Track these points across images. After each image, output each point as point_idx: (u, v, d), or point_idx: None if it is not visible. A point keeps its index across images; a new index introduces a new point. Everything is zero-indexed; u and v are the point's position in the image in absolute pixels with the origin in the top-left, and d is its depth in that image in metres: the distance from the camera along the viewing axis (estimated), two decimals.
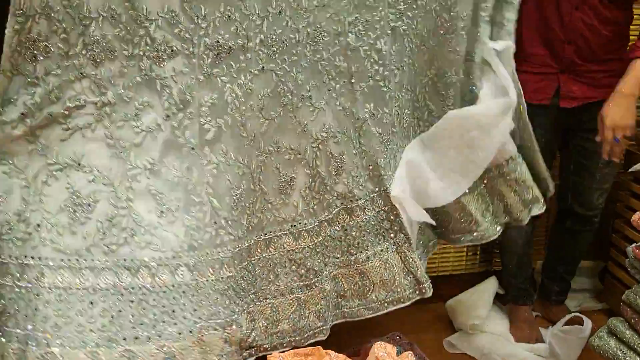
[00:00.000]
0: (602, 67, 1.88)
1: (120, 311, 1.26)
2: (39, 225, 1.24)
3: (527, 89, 1.78)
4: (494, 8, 1.64)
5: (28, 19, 1.17)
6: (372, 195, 1.56)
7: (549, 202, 2.17)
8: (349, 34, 1.46)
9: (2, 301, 1.23)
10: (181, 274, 1.30)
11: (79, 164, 1.27)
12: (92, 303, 1.25)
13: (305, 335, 1.55)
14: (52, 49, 1.21)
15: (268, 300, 1.51)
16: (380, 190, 1.57)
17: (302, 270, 1.51)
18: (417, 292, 1.62)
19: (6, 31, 1.16)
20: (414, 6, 1.54)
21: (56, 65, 1.22)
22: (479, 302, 2.21)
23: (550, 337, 2.13)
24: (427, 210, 1.65)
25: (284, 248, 1.49)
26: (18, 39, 1.17)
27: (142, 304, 1.27)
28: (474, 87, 1.69)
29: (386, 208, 1.57)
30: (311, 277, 1.52)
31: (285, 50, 1.38)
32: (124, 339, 1.25)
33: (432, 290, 1.61)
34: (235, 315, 1.38)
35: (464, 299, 2.25)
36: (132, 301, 1.27)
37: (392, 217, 1.57)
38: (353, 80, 1.49)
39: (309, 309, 1.54)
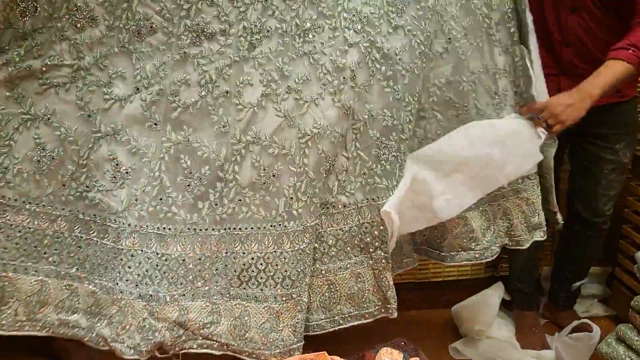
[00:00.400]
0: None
1: (69, 253, 1.41)
2: (6, 168, 1.36)
3: None
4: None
5: None
6: (360, 205, 1.51)
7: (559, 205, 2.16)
8: (346, 29, 1.44)
9: None
10: (118, 237, 1.39)
11: (49, 119, 1.37)
12: (46, 242, 1.40)
13: (277, 350, 1.45)
14: (39, 9, 1.31)
15: (238, 301, 1.44)
16: (370, 200, 1.50)
17: (278, 278, 1.44)
18: (383, 311, 1.57)
19: None
20: (418, 7, 1.50)
21: (42, 24, 1.32)
22: (484, 308, 2.19)
23: (557, 343, 2.10)
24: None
25: (262, 250, 1.43)
26: None
27: (86, 250, 1.41)
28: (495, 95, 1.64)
29: (372, 221, 1.51)
30: (287, 285, 1.44)
31: (270, 40, 1.39)
32: (69, 275, 1.42)
33: (396, 313, 1.55)
34: (168, 295, 1.39)
35: (470, 305, 2.23)
36: (79, 247, 1.41)
37: (375, 232, 1.51)
38: (355, 77, 1.45)
39: (283, 322, 1.46)
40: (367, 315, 1.56)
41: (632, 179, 2.29)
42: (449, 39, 1.57)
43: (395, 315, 1.55)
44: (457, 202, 1.60)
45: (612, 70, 1.68)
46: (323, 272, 1.52)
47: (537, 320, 2.22)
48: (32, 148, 1.37)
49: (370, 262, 1.53)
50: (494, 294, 2.24)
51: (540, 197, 1.73)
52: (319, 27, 1.42)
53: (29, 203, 1.39)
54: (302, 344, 1.49)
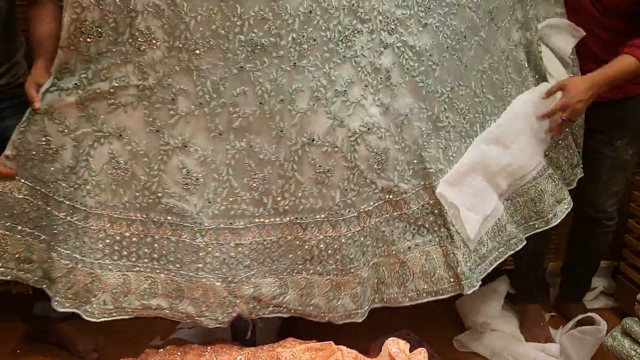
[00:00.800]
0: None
1: (146, 251, 1.55)
2: (86, 180, 1.52)
3: None
4: None
5: (83, 9, 1.39)
6: (417, 189, 1.62)
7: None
8: (382, 32, 1.54)
9: (57, 229, 1.54)
10: (195, 236, 1.54)
11: (120, 135, 1.51)
12: (125, 244, 1.55)
13: (339, 314, 1.63)
14: (104, 35, 1.43)
15: (303, 275, 1.61)
16: (426, 183, 1.61)
17: (338, 256, 1.58)
18: (458, 288, 1.63)
19: (64, 19, 1.40)
20: (443, 4, 1.60)
21: (106, 49, 1.45)
22: (489, 301, 2.19)
23: (563, 337, 2.10)
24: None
25: (321, 234, 1.58)
26: (75, 25, 1.40)
27: (162, 249, 1.55)
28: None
29: (431, 202, 1.62)
30: (346, 263, 1.59)
31: (316, 48, 1.50)
32: (148, 268, 1.56)
33: (470, 288, 1.61)
34: (244, 276, 1.55)
35: (475, 297, 2.21)
36: (155, 246, 1.55)
37: (436, 211, 1.62)
38: (390, 76, 1.56)
39: (343, 291, 1.62)
40: (440, 292, 1.65)
41: (637, 173, 2.29)
42: (482, 26, 1.68)
43: (467, 292, 1.61)
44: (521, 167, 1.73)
45: (622, 65, 1.68)
46: (393, 252, 1.64)
47: (541, 314, 2.21)
48: (107, 161, 1.52)
49: (437, 239, 1.63)
50: (499, 287, 2.24)
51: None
52: (358, 31, 1.52)
53: (108, 210, 1.54)
54: (365, 312, 1.64)
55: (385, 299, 1.68)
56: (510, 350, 2.06)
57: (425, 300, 1.66)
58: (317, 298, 1.62)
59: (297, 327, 2.00)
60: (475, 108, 1.70)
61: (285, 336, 1.69)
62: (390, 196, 1.60)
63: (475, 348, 2.12)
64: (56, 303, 1.57)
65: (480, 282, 1.67)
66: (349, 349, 1.56)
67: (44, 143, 1.50)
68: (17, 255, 1.58)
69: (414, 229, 1.63)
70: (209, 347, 1.65)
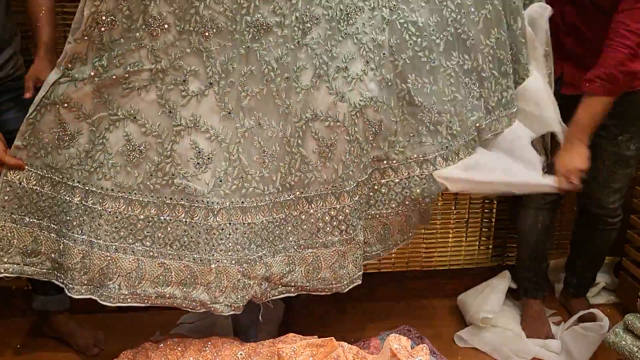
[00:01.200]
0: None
1: (160, 235, 1.59)
2: (102, 163, 1.56)
3: None
4: None
5: (101, 1, 1.43)
6: (409, 161, 1.69)
7: (573, 198, 2.15)
8: (383, 9, 1.59)
9: (70, 215, 1.57)
10: (208, 215, 1.57)
11: (135, 117, 1.55)
12: (140, 226, 1.58)
13: (344, 282, 1.70)
14: (118, 23, 1.46)
15: (310, 250, 1.67)
16: (419, 157, 1.68)
17: (343, 227, 1.66)
18: (424, 223, 1.93)
19: (84, 12, 1.42)
20: None
21: (120, 36, 1.48)
22: (490, 296, 2.18)
23: (566, 332, 2.10)
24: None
25: (326, 206, 1.64)
26: (92, 17, 1.43)
27: (175, 231, 1.59)
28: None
29: (422, 174, 1.70)
30: (350, 232, 1.67)
31: (319, 26, 1.55)
32: (161, 254, 1.59)
33: (428, 221, 1.91)
34: (257, 256, 1.60)
35: (476, 293, 2.22)
36: (169, 229, 1.59)
37: (424, 183, 1.70)
38: (393, 52, 1.60)
39: (347, 259, 1.69)
40: (410, 237, 1.85)
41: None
42: (495, 2, 1.69)
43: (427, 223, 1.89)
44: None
45: (591, 110, 1.71)
46: (377, 216, 1.74)
47: (543, 310, 2.20)
48: (123, 144, 1.55)
49: (417, 206, 1.75)
50: (500, 283, 2.23)
51: None
52: (360, 9, 1.57)
53: (123, 192, 1.57)
54: (362, 273, 1.74)
55: (367, 256, 1.79)
56: (511, 346, 2.06)
57: (398, 247, 1.84)
58: (324, 271, 1.68)
59: (298, 323, 2.00)
60: (481, 83, 1.73)
61: (286, 332, 1.69)
62: (379, 164, 1.67)
63: (476, 344, 2.11)
64: (72, 290, 1.58)
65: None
66: (350, 345, 1.55)
67: (59, 130, 1.53)
68: (23, 248, 1.60)
69: (399, 198, 1.71)
70: (209, 342, 1.65)
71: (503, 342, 2.08)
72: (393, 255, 2.34)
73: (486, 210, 2.37)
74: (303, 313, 2.08)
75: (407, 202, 1.71)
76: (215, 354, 1.61)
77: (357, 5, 1.57)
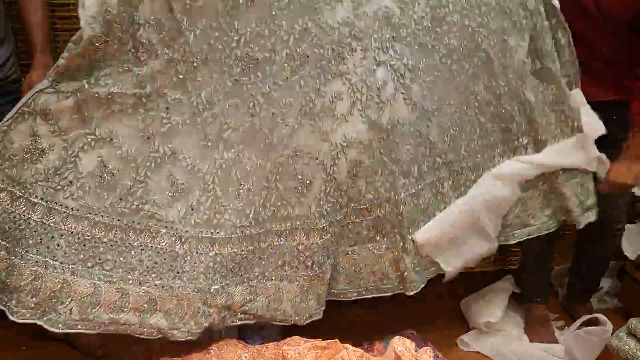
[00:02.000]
0: (611, 68, 1.83)
1: (122, 259, 1.54)
2: (70, 182, 1.50)
3: None
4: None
5: (97, 23, 1.41)
6: (382, 201, 1.68)
7: None
8: (376, 50, 1.57)
9: (26, 233, 1.49)
10: (175, 243, 1.55)
11: (111, 139, 1.50)
12: (102, 250, 1.52)
13: (304, 316, 1.69)
14: (110, 43, 1.44)
15: (273, 281, 1.65)
16: (392, 196, 1.67)
17: (309, 263, 1.64)
18: (401, 288, 1.77)
19: (83, 35, 1.41)
20: (443, 22, 1.65)
21: (111, 57, 1.46)
22: (494, 300, 2.18)
23: (569, 337, 2.10)
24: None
25: (294, 241, 1.63)
26: (89, 40, 1.41)
27: (139, 256, 1.54)
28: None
29: (392, 211, 1.69)
30: (316, 269, 1.65)
31: (309, 64, 1.53)
32: (122, 279, 1.54)
33: (414, 290, 1.76)
34: (219, 286, 1.58)
35: (479, 297, 2.22)
36: (132, 253, 1.54)
37: (396, 221, 1.70)
38: (380, 94, 1.59)
39: (310, 295, 1.68)
40: (386, 290, 1.77)
41: None
42: (483, 48, 1.71)
43: (411, 293, 1.76)
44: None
45: None
46: (349, 252, 1.72)
47: (546, 315, 2.20)
48: (96, 165, 1.50)
49: (391, 246, 1.72)
50: (504, 287, 2.24)
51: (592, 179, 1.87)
52: (352, 49, 1.56)
53: (89, 213, 1.52)
54: (323, 309, 1.72)
55: (333, 293, 1.76)
56: (514, 350, 2.06)
57: (370, 295, 1.77)
58: (285, 303, 1.67)
59: (301, 327, 2.00)
60: (462, 127, 1.75)
61: (290, 335, 1.70)
62: (355, 204, 1.67)
63: (479, 348, 2.11)
64: (16, 314, 1.50)
65: (424, 284, 1.79)
66: (354, 347, 1.56)
67: (29, 143, 1.47)
68: None
69: (371, 234, 1.71)
70: (214, 345, 1.65)
71: (506, 346, 2.08)
72: None
73: None
74: None
75: (378, 240, 1.71)
76: (219, 356, 1.61)
77: (350, 45, 1.55)
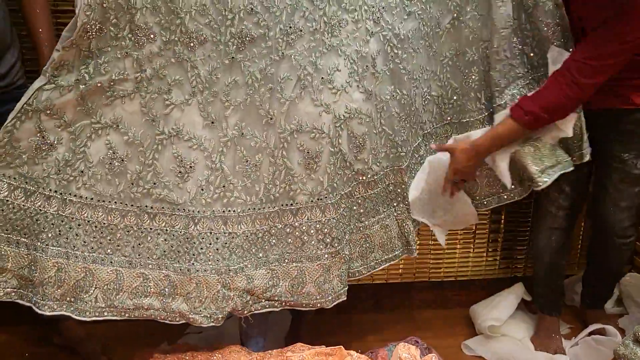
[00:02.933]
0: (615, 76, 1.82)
1: (140, 244, 1.58)
2: (82, 172, 1.54)
3: None
4: None
5: (92, 11, 1.43)
6: (386, 170, 1.74)
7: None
8: (367, 21, 1.61)
9: (44, 227, 1.53)
10: (189, 224, 1.59)
11: (117, 126, 1.54)
12: (119, 236, 1.57)
13: (329, 297, 1.69)
14: (105, 31, 1.47)
15: (294, 264, 1.67)
16: (394, 166, 1.74)
17: (328, 240, 1.66)
18: (406, 252, 1.83)
19: (77, 22, 1.43)
20: None
21: (107, 44, 1.49)
22: (500, 305, 2.17)
23: (579, 343, 2.08)
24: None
25: (311, 219, 1.65)
26: (84, 27, 1.44)
27: (156, 240, 1.59)
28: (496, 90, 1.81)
29: (395, 182, 1.76)
30: (336, 245, 1.67)
31: (303, 38, 1.57)
32: (141, 263, 1.58)
33: (416, 253, 1.83)
34: (237, 267, 1.60)
35: (487, 303, 2.22)
36: (149, 238, 1.59)
37: (398, 190, 1.77)
38: (375, 64, 1.63)
39: (332, 274, 1.69)
40: (393, 257, 1.81)
41: None
42: (455, 16, 1.77)
43: (416, 254, 1.83)
44: None
45: (504, 128, 1.75)
46: (361, 228, 1.76)
47: (557, 326, 2.17)
48: (104, 153, 1.55)
49: (395, 214, 1.79)
50: (513, 293, 2.22)
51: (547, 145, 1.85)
52: (344, 21, 1.59)
53: (103, 201, 1.56)
54: (347, 288, 1.72)
55: (350, 273, 1.76)
56: (518, 357, 2.05)
57: (381, 267, 1.80)
58: (308, 286, 1.67)
59: (304, 334, 2.00)
60: (438, 90, 1.82)
61: (293, 342, 1.69)
62: (363, 177, 1.70)
63: (482, 353, 2.10)
64: (43, 307, 1.53)
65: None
66: (359, 354, 1.55)
67: (37, 139, 1.50)
68: None
69: (378, 207, 1.76)
70: (217, 352, 1.65)
71: (510, 352, 2.07)
72: (400, 266, 2.34)
73: (494, 222, 2.36)
74: (309, 324, 2.08)
75: (385, 210, 1.76)
76: None
77: (341, 17, 1.58)
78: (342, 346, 1.52)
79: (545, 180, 1.78)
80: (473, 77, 1.84)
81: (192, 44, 1.51)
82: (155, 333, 2.07)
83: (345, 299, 1.70)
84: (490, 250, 2.41)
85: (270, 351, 1.64)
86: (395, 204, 1.78)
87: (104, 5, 1.44)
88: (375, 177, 1.71)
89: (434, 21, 1.74)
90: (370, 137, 1.66)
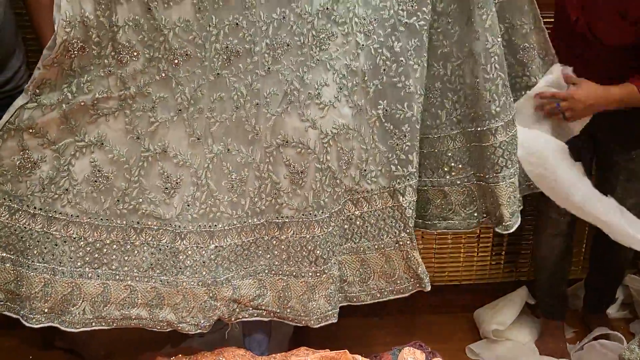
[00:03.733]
0: (614, 81, 1.81)
1: (127, 258, 1.58)
2: (66, 190, 1.52)
3: None
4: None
5: (72, 28, 1.40)
6: (381, 191, 1.65)
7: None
8: (358, 34, 1.55)
9: (30, 244, 1.52)
10: (175, 239, 1.57)
11: (102, 144, 1.52)
12: (105, 251, 1.56)
13: (314, 317, 1.67)
14: (87, 49, 1.44)
15: (280, 276, 1.66)
16: (391, 187, 1.64)
17: (312, 257, 1.62)
18: (418, 286, 1.72)
19: (57, 39, 1.39)
20: (428, 1, 1.57)
21: (90, 62, 1.45)
22: (504, 309, 2.17)
23: (582, 349, 2.08)
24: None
25: (296, 234, 1.62)
26: (64, 45, 1.40)
27: (142, 254, 1.58)
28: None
29: (394, 205, 1.66)
30: (320, 264, 1.63)
31: (290, 52, 1.52)
32: (128, 276, 1.58)
33: (429, 287, 1.71)
34: (224, 278, 1.60)
35: (491, 307, 2.22)
36: (135, 252, 1.58)
37: (397, 215, 1.66)
38: (366, 78, 1.57)
39: (317, 293, 1.65)
40: (402, 290, 1.73)
41: None
42: (458, 26, 1.63)
43: (429, 289, 1.71)
44: None
45: (628, 91, 1.70)
46: (354, 249, 1.70)
47: (562, 331, 2.17)
48: (89, 171, 1.52)
49: (397, 244, 1.68)
50: (516, 297, 2.22)
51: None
52: (333, 34, 1.53)
53: (89, 217, 1.55)
54: (337, 311, 1.68)
55: (348, 297, 1.73)
56: None
57: (387, 298, 1.73)
58: (292, 301, 1.66)
59: (308, 338, 1.99)
60: (450, 97, 1.68)
61: (296, 346, 1.69)
62: (353, 195, 1.65)
63: (487, 357, 2.10)
64: (31, 320, 1.54)
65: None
66: (363, 357, 1.55)
67: (20, 157, 1.48)
68: None
69: (374, 230, 1.68)
70: (221, 356, 1.64)
71: (514, 356, 2.07)
72: None
73: None
74: (313, 328, 2.08)
75: (383, 237, 1.67)
76: None
77: (331, 30, 1.52)
78: (346, 350, 1.52)
79: (514, 224, 1.72)
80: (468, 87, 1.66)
81: (176, 61, 1.48)
82: (158, 336, 2.06)
83: (335, 320, 1.67)
84: (494, 254, 2.40)
85: (274, 355, 1.64)
86: (396, 232, 1.67)
87: (85, 23, 1.41)
88: (366, 195, 1.64)
89: (442, 34, 1.63)
90: (357, 152, 1.60)
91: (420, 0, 1.56)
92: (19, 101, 1.45)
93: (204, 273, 1.57)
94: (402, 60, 1.57)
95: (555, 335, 2.15)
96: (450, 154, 1.71)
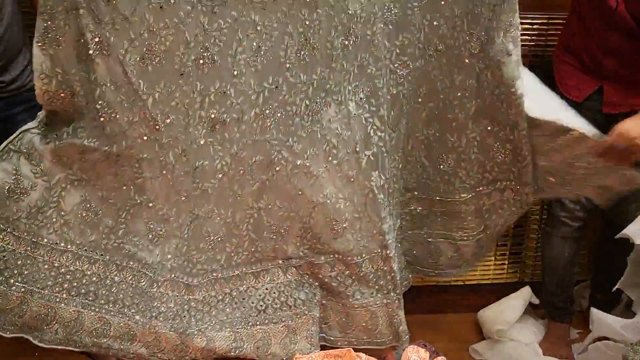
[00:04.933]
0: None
1: (105, 292, 1.56)
2: (54, 220, 1.51)
3: (567, 83, 1.75)
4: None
5: (50, 79, 1.37)
6: (372, 255, 1.60)
7: (596, 215, 2.10)
8: (350, 102, 1.49)
9: (10, 263, 1.50)
10: (152, 285, 1.57)
11: (93, 183, 1.50)
12: (85, 281, 1.55)
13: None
14: (76, 99, 1.41)
15: (259, 327, 1.62)
16: (382, 252, 1.59)
17: (290, 302, 1.62)
18: (395, 342, 1.72)
19: (36, 88, 1.39)
20: (414, 70, 1.55)
21: (80, 110, 1.43)
22: (507, 310, 2.17)
23: (586, 350, 2.07)
24: (424, 249, 1.79)
25: (273, 281, 1.61)
26: (47, 94, 1.39)
27: (119, 293, 1.56)
28: None
29: (385, 268, 1.61)
30: (299, 305, 1.63)
31: (281, 122, 1.45)
32: (103, 310, 1.56)
33: (407, 343, 1.70)
34: (196, 329, 1.56)
35: (494, 307, 2.22)
36: (113, 287, 1.56)
37: (388, 277, 1.62)
38: (357, 149, 1.51)
39: (299, 335, 1.63)
40: (379, 343, 1.72)
41: None
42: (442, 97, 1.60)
43: (406, 345, 1.69)
44: None
45: None
46: (341, 303, 1.67)
47: (567, 333, 2.18)
48: (79, 203, 1.51)
49: (385, 302, 1.65)
50: (520, 298, 2.22)
51: None
52: (326, 103, 1.47)
53: (73, 246, 1.54)
54: (319, 351, 1.62)
55: (326, 339, 1.72)
56: None
57: (363, 347, 1.71)
58: (274, 347, 1.62)
59: None
60: (407, 168, 1.69)
61: None
62: (344, 258, 1.59)
63: (490, 357, 2.10)
64: (5, 331, 1.56)
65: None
66: (368, 356, 1.55)
67: (12, 182, 1.46)
68: None
69: (364, 290, 1.63)
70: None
71: (517, 356, 2.07)
72: None
73: None
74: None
75: (372, 294, 1.63)
76: None
77: (325, 100, 1.46)
78: (351, 348, 1.52)
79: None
80: (447, 162, 1.66)
81: (157, 127, 1.41)
82: None
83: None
84: (498, 254, 2.41)
85: None
86: (385, 292, 1.63)
87: (67, 75, 1.38)
88: (357, 260, 1.59)
89: (415, 98, 1.59)
90: (350, 222, 1.54)
91: (408, 69, 1.53)
92: (27, 125, 1.45)
93: (176, 321, 1.56)
94: (386, 129, 1.53)
95: (560, 337, 2.15)
96: None
